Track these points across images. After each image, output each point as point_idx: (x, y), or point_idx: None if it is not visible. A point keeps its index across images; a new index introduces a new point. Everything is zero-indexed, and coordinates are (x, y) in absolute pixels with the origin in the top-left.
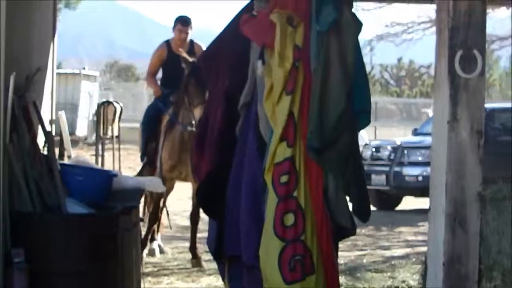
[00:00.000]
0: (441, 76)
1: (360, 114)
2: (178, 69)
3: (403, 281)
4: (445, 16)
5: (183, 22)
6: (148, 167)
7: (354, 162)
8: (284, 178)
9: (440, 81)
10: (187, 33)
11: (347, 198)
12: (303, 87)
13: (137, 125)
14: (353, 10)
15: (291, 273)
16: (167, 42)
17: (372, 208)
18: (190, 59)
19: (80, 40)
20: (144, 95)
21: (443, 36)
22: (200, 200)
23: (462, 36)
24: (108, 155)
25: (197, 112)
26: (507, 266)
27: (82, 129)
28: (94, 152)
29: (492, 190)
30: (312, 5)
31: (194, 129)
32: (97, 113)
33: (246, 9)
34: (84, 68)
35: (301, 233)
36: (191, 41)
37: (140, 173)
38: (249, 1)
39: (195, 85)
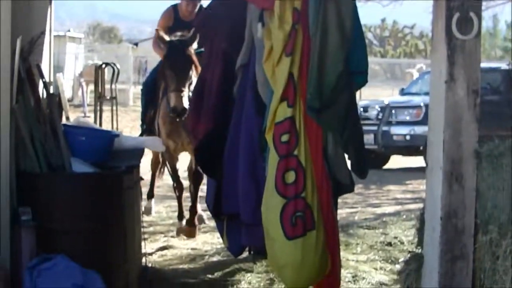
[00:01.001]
0: (438, 38)
1: (357, 75)
2: None
3: (395, 237)
4: None
5: None
6: (147, 134)
7: (352, 121)
8: (284, 137)
9: (437, 43)
10: (195, 6)
11: (346, 155)
12: (302, 49)
13: (124, 86)
14: None
15: (293, 228)
16: (174, 8)
17: None
18: (167, 38)
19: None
20: (129, 57)
21: None
22: (199, 159)
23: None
24: (105, 115)
25: (172, 98)
26: (503, 220)
27: (67, 91)
28: (80, 114)
29: (488, 147)
30: None
31: (171, 114)
32: (95, 75)
33: None
34: (69, 31)
35: (302, 190)
36: (201, 6)
37: None
38: None
39: (170, 68)
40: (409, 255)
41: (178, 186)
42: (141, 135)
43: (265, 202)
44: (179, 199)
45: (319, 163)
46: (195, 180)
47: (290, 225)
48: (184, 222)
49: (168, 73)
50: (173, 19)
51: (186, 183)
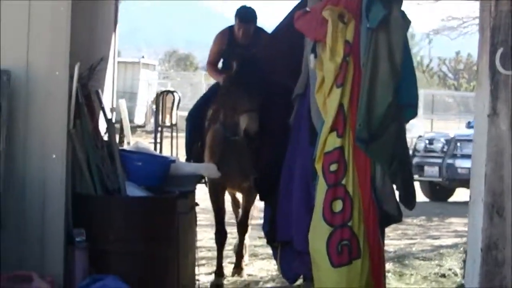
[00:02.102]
0: (482, 73)
1: (407, 107)
2: None
3: (450, 269)
4: (487, 16)
5: (242, 18)
6: None
7: (400, 152)
8: (333, 167)
9: (481, 77)
10: (248, 31)
11: (394, 186)
12: (353, 81)
13: None
14: (408, 3)
15: (339, 257)
16: (230, 29)
17: (425, 199)
18: (241, 52)
19: (139, 30)
20: (202, 85)
21: (486, 34)
22: (258, 187)
23: (503, 35)
24: (166, 142)
25: (245, 119)
26: None
27: (140, 117)
28: (151, 140)
29: None
30: (362, 3)
31: (238, 138)
32: (156, 102)
33: (300, 6)
34: (143, 57)
35: (349, 219)
36: (258, 29)
37: None
38: None
39: (241, 86)
40: (453, 286)
41: (220, 236)
42: None
43: (312, 230)
44: (220, 252)
45: (367, 193)
46: (240, 229)
47: (336, 253)
48: (222, 278)
49: (236, 92)
50: (227, 42)
51: None
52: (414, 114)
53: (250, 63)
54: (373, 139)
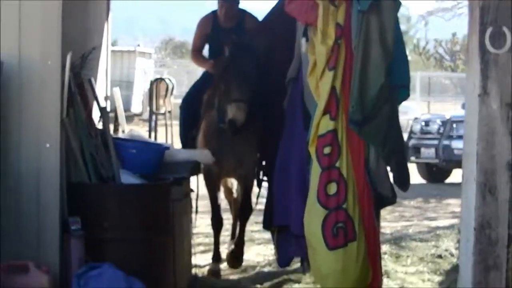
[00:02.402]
0: (472, 53)
1: (400, 88)
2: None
3: (446, 250)
4: None
5: None
6: None
7: (394, 133)
8: (327, 150)
9: (471, 57)
10: (230, 10)
11: (388, 168)
12: (345, 64)
13: None
14: None
15: (334, 239)
16: (214, 13)
17: (422, 181)
18: (234, 38)
19: (135, 19)
20: (199, 72)
21: (475, 14)
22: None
23: (492, 15)
24: (162, 130)
25: (232, 109)
26: None
27: (137, 105)
28: (148, 128)
29: None
30: None
31: (225, 126)
32: (150, 90)
33: None
34: (138, 45)
35: (343, 202)
36: (243, 12)
37: None
38: None
39: (233, 73)
40: (449, 266)
41: (216, 222)
42: None
43: (307, 213)
44: (216, 238)
45: (361, 176)
46: (243, 213)
47: (332, 236)
48: (219, 263)
49: (229, 79)
50: (211, 27)
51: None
52: (406, 95)
53: (243, 48)
54: (366, 121)
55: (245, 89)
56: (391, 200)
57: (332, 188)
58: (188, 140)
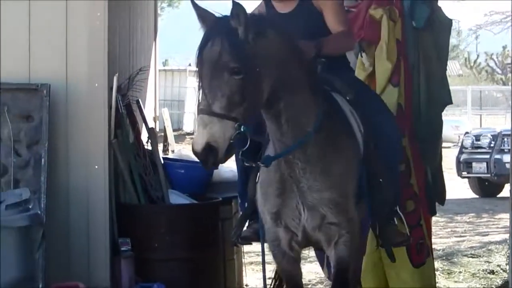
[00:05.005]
0: None
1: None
2: None
3: (498, 265)
4: None
5: None
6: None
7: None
8: (401, 167)
9: None
10: None
11: None
12: (405, 80)
13: None
14: (451, 2)
15: (418, 256)
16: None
17: (474, 195)
18: None
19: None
20: None
21: None
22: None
23: None
24: None
25: None
26: None
27: (188, 124)
28: None
29: None
30: (404, 1)
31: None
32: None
33: None
34: (189, 65)
35: (420, 218)
36: None
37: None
38: None
39: None
40: (502, 282)
41: None
42: (240, 222)
43: None
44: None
45: (423, 192)
46: None
47: (416, 253)
48: None
49: None
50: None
51: None
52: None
53: None
54: (427, 137)
55: None
56: (434, 214)
57: (410, 205)
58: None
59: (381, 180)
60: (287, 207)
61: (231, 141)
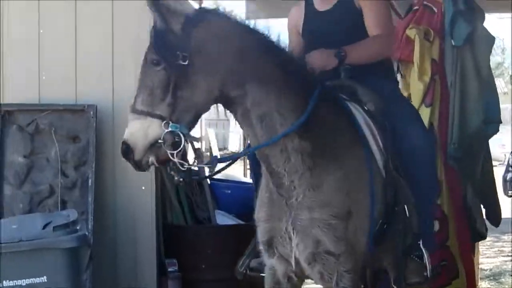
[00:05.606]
0: None
1: (490, 124)
2: None
3: None
4: None
5: None
6: None
7: (486, 169)
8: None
9: None
10: None
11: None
12: (441, 100)
13: None
14: (487, 20)
15: (436, 278)
16: None
17: None
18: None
19: None
20: None
21: None
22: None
23: None
24: None
25: None
26: None
27: (234, 144)
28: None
29: None
30: (445, 20)
31: None
32: None
33: None
34: None
35: (447, 239)
36: None
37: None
38: None
39: None
40: None
41: None
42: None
43: None
44: None
45: (460, 212)
46: None
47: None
48: None
49: None
50: (304, 12)
51: None
52: (496, 131)
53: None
54: (464, 157)
55: None
56: (484, 236)
57: (435, 226)
58: None
59: (405, 205)
60: (278, 231)
61: (160, 141)
